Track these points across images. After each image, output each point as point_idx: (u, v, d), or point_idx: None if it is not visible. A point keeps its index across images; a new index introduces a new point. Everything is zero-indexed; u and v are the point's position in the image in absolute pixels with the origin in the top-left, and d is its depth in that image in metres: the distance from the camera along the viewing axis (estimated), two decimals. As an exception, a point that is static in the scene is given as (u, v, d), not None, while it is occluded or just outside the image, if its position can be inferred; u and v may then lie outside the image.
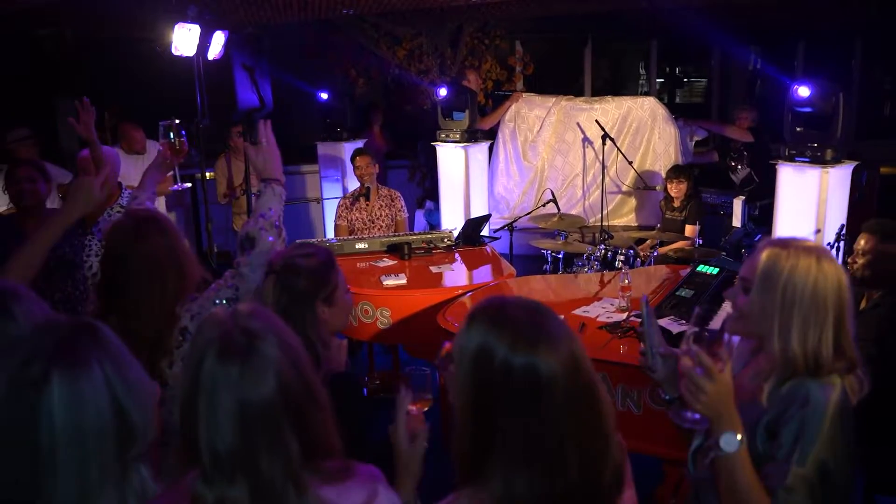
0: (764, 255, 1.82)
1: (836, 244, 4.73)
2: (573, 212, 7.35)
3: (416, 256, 5.09)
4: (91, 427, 1.27)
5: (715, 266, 3.87)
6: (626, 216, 7.74)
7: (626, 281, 3.86)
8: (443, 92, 7.06)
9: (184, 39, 5.76)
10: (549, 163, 7.94)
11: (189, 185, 6.49)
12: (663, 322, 3.36)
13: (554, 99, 7.89)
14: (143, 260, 2.23)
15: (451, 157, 7.13)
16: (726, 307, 3.57)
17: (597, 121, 6.97)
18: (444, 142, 7.11)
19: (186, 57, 5.89)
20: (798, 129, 5.33)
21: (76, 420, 1.26)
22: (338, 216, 5.71)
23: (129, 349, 1.41)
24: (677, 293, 3.68)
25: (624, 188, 7.60)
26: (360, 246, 5.22)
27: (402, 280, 4.49)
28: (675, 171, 6.32)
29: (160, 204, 6.24)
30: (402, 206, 5.77)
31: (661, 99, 8.22)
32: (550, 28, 9.24)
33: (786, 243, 1.83)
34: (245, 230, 2.43)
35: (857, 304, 3.51)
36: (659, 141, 7.47)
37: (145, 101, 7.70)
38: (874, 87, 9.91)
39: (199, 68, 6.10)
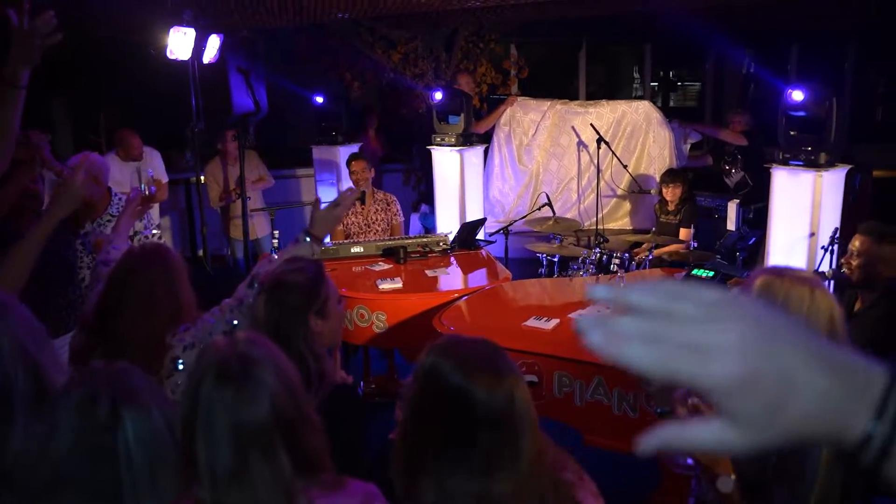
0: (758, 282, 1.83)
1: (829, 247, 4.75)
2: (568, 215, 7.36)
3: (412, 260, 5.10)
4: (159, 454, 1.35)
5: (710, 269, 3.88)
6: (620, 220, 7.75)
7: (622, 284, 3.87)
8: (438, 96, 7.07)
9: (179, 43, 5.76)
10: (545, 166, 7.95)
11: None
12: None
13: (549, 103, 7.90)
14: (137, 290, 2.30)
15: (446, 161, 7.14)
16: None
17: (591, 124, 6.98)
18: (440, 145, 7.11)
19: (181, 60, 5.88)
20: (792, 132, 5.36)
21: (147, 450, 1.34)
22: (333, 220, 5.70)
23: None
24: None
25: (619, 192, 7.62)
26: (356, 250, 5.22)
27: (398, 284, 4.50)
28: (671, 176, 6.32)
29: (154, 210, 6.23)
30: (397, 210, 5.77)
31: (655, 102, 8.24)
32: (545, 32, 9.27)
33: (780, 272, 1.84)
34: (264, 268, 2.44)
35: (851, 306, 3.52)
36: (653, 144, 7.49)
37: (140, 105, 7.71)
38: (867, 91, 9.95)
39: (194, 72, 6.09)
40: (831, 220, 5.19)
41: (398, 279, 4.57)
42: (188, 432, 1.34)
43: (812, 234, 5.17)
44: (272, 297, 2.19)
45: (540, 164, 7.97)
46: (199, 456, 1.32)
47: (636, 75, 10.85)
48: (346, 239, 5.57)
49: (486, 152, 7.75)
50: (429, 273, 4.84)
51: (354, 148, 7.55)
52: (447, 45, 8.57)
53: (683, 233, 6.11)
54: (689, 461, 1.80)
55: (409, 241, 5.31)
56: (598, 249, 5.40)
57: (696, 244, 5.72)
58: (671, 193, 6.21)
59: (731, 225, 6.39)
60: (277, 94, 8.24)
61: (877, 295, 3.40)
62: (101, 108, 6.69)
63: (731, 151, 6.94)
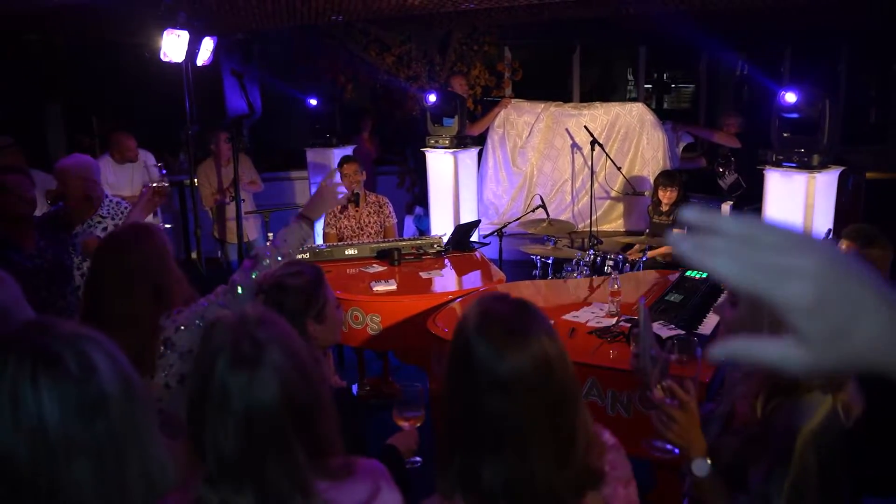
0: None
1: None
2: (562, 217, 7.36)
3: (406, 262, 5.10)
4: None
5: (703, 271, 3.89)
6: (614, 221, 7.76)
7: (616, 286, 3.87)
8: (432, 98, 7.07)
9: (173, 45, 5.76)
10: (538, 168, 7.96)
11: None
12: (653, 326, 3.37)
13: (543, 105, 7.91)
14: (114, 274, 2.29)
15: (440, 163, 7.15)
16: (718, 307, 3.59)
17: (585, 126, 6.99)
18: (434, 147, 7.12)
19: (175, 63, 5.88)
20: (785, 134, 5.38)
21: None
22: (326, 224, 5.69)
23: None
24: (666, 298, 3.70)
25: (613, 193, 7.62)
26: (350, 252, 5.22)
27: (392, 286, 4.49)
28: (668, 178, 6.32)
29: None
30: (390, 212, 5.77)
31: (648, 104, 8.24)
32: (539, 34, 9.28)
33: None
34: (259, 250, 2.46)
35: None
36: (647, 146, 7.50)
37: (134, 107, 7.70)
38: (860, 93, 9.99)
39: (187, 74, 6.09)
40: (824, 221, 5.22)
41: (392, 281, 4.57)
42: (196, 417, 1.31)
43: (805, 236, 5.18)
44: (270, 299, 2.19)
45: (534, 166, 7.97)
46: (206, 442, 1.29)
47: (630, 77, 10.87)
48: (339, 241, 5.57)
49: (480, 154, 7.76)
50: (423, 275, 4.84)
51: (348, 150, 7.55)
52: (441, 48, 8.57)
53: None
54: (668, 446, 1.82)
55: (404, 243, 5.31)
56: (591, 251, 5.41)
57: (689, 246, 5.73)
58: (667, 195, 6.21)
59: (724, 227, 6.40)
60: (271, 96, 8.26)
61: None
62: (95, 111, 6.69)
63: (724, 153, 6.96)
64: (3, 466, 1.15)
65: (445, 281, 4.88)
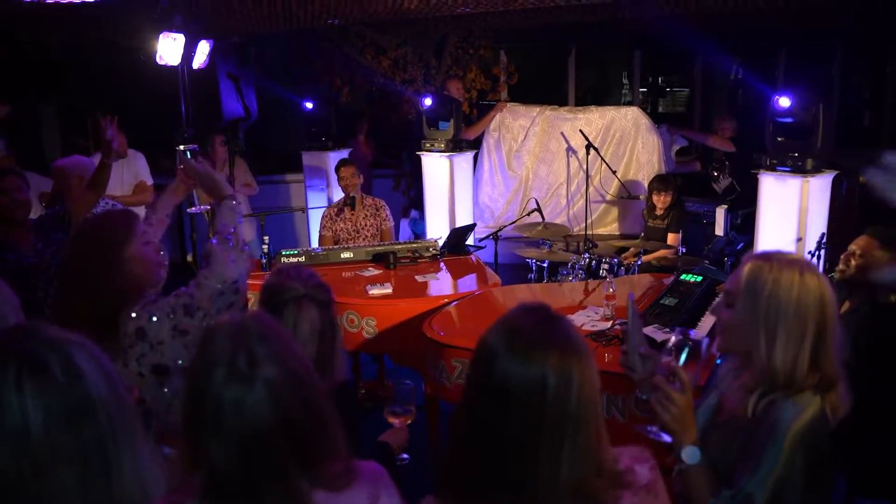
0: (746, 268, 1.83)
1: (816, 252, 4.79)
2: (557, 221, 7.39)
3: (402, 266, 5.10)
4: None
5: (698, 274, 3.90)
6: (609, 225, 7.78)
7: (611, 289, 3.88)
8: (428, 101, 7.08)
9: (169, 48, 5.76)
10: (534, 172, 7.98)
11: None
12: (647, 330, 3.38)
13: (538, 109, 7.93)
14: (71, 261, 2.36)
15: (436, 167, 7.16)
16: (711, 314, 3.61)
17: (581, 130, 7.01)
18: (429, 151, 7.13)
19: (171, 66, 5.88)
20: (779, 138, 5.40)
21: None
22: (322, 226, 5.71)
23: None
24: (661, 301, 3.71)
25: (608, 197, 7.65)
26: (346, 255, 5.22)
27: (388, 289, 4.50)
28: (662, 182, 6.34)
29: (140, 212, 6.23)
30: (387, 215, 5.78)
31: (643, 108, 8.28)
32: (534, 38, 9.30)
33: (769, 256, 1.83)
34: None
35: (838, 308, 3.54)
36: (642, 150, 7.53)
37: (129, 109, 7.69)
38: (854, 97, 10.03)
39: (183, 77, 6.09)
40: (818, 225, 5.24)
41: (388, 284, 4.57)
42: (192, 426, 1.30)
43: (799, 240, 5.21)
44: (316, 301, 2.19)
45: (529, 170, 7.99)
46: (201, 453, 1.27)
47: (625, 81, 10.91)
48: (336, 244, 5.58)
49: (475, 158, 7.77)
50: (419, 278, 4.85)
51: (344, 153, 7.56)
52: (437, 51, 8.59)
53: (671, 238, 6.14)
54: (663, 434, 1.82)
55: (399, 246, 5.31)
56: (587, 255, 5.43)
57: (684, 249, 5.76)
58: (661, 199, 6.23)
59: (719, 230, 6.43)
60: (267, 99, 8.25)
61: (859, 300, 3.43)
62: (90, 112, 6.67)
63: (719, 157, 6.99)
64: None
65: (441, 284, 4.88)
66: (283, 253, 5.11)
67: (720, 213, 6.44)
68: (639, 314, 2.02)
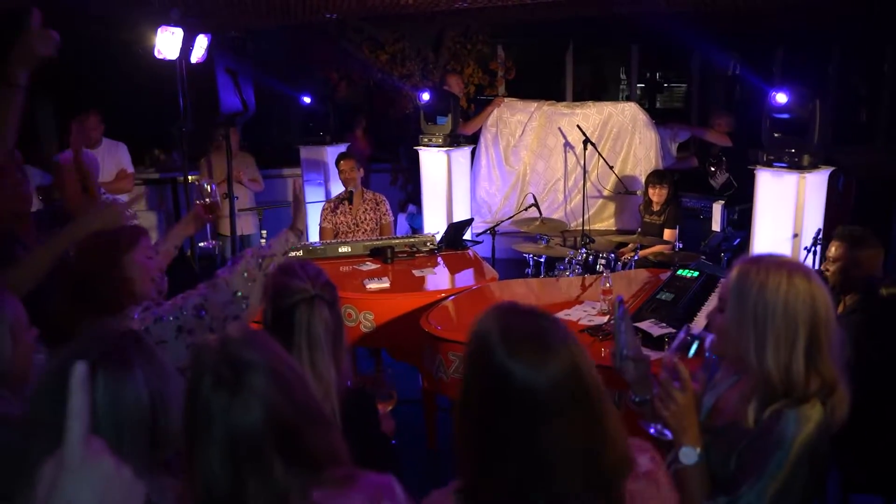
0: (735, 272, 1.82)
1: (812, 248, 4.81)
2: (555, 216, 7.40)
3: (399, 260, 5.12)
4: (128, 419, 1.39)
5: (695, 270, 3.92)
6: (606, 220, 7.80)
7: (608, 284, 3.90)
8: (426, 96, 7.09)
9: (167, 43, 5.76)
10: (531, 167, 7.99)
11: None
12: (644, 325, 3.40)
13: (536, 104, 7.93)
14: (75, 262, 2.45)
15: (433, 162, 7.17)
16: (706, 308, 3.63)
17: (578, 126, 7.02)
18: (427, 146, 7.14)
19: (169, 60, 5.88)
20: (776, 134, 5.42)
21: (115, 411, 1.37)
22: (323, 219, 5.72)
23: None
24: (658, 297, 3.73)
25: (605, 193, 7.66)
26: (344, 250, 5.23)
27: (386, 284, 4.51)
28: (658, 177, 6.37)
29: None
30: (387, 210, 5.79)
31: (641, 103, 8.28)
32: (532, 33, 9.30)
33: (758, 259, 1.82)
34: (240, 255, 2.52)
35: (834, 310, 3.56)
36: (639, 146, 7.54)
37: (127, 104, 7.68)
38: (851, 94, 10.05)
39: (181, 72, 6.09)
40: (814, 221, 5.26)
41: (385, 279, 4.59)
42: (187, 439, 1.31)
43: (795, 236, 5.23)
44: (327, 300, 2.19)
45: (527, 165, 8.00)
46: (196, 463, 1.29)
47: (623, 76, 10.91)
48: (335, 238, 5.59)
49: (473, 153, 7.78)
50: (416, 273, 4.86)
51: (342, 148, 7.56)
52: (434, 46, 8.59)
53: (668, 233, 6.16)
54: (665, 431, 1.83)
55: (397, 241, 5.33)
56: (584, 250, 5.44)
57: (681, 245, 5.78)
58: (657, 194, 6.25)
59: (716, 226, 6.45)
60: (265, 94, 8.23)
61: (856, 299, 3.45)
62: (87, 107, 6.66)
63: (715, 153, 7.00)
64: None
65: (438, 279, 4.90)
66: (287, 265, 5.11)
67: (717, 209, 6.46)
68: (629, 317, 2.02)
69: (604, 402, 1.39)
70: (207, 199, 3.01)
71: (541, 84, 9.88)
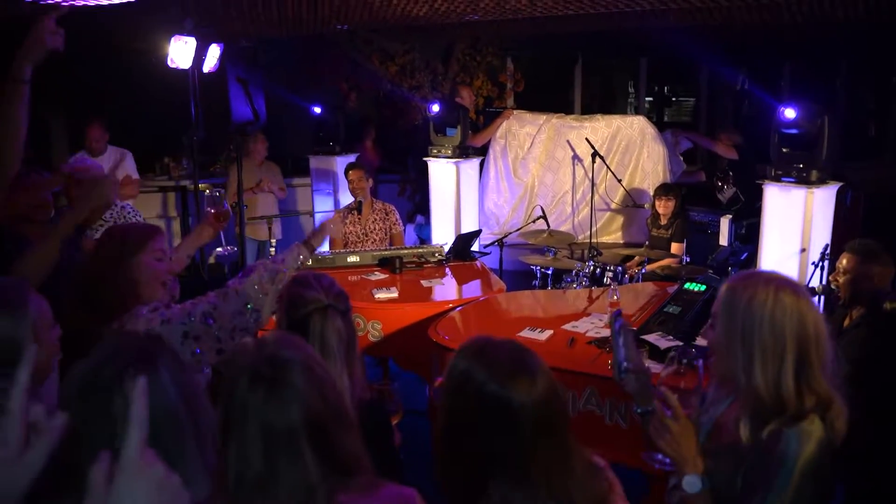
0: (724, 288, 1.84)
1: (820, 263, 4.82)
2: (562, 228, 7.41)
3: (408, 270, 5.14)
4: (162, 421, 1.37)
5: (702, 283, 3.93)
6: (614, 233, 7.80)
7: (615, 297, 3.92)
8: (435, 108, 7.14)
9: (180, 52, 5.81)
10: (539, 179, 8.01)
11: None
12: (651, 338, 3.42)
13: (545, 116, 7.96)
14: (88, 261, 2.49)
15: (442, 173, 7.20)
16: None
17: (587, 139, 7.05)
18: (436, 157, 7.18)
19: (181, 69, 5.93)
20: (784, 149, 5.43)
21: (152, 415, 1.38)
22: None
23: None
24: (665, 310, 3.74)
25: (613, 206, 7.67)
26: (352, 259, 5.26)
27: (394, 293, 4.54)
28: (664, 189, 6.40)
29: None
30: (396, 219, 5.82)
31: (649, 117, 8.30)
32: (541, 46, 9.34)
33: (747, 276, 1.83)
34: (253, 265, 2.53)
35: (841, 323, 3.57)
36: (647, 159, 7.55)
37: (138, 113, 7.74)
38: (859, 109, 10.06)
39: (194, 81, 6.14)
40: (822, 236, 5.26)
41: (394, 289, 4.61)
42: (223, 436, 1.34)
43: (803, 250, 5.23)
44: (340, 311, 2.21)
45: (535, 177, 8.02)
46: (229, 458, 1.31)
47: (631, 90, 10.94)
48: (345, 248, 5.62)
49: (481, 165, 7.81)
50: (424, 283, 4.89)
51: (351, 158, 7.61)
52: (444, 58, 8.63)
53: (675, 247, 6.17)
54: (667, 460, 1.83)
55: (405, 251, 5.35)
56: (591, 262, 5.46)
57: (688, 259, 5.79)
58: (664, 207, 6.27)
59: (723, 240, 6.46)
60: (276, 103, 8.28)
61: (861, 313, 3.45)
62: (98, 116, 6.71)
63: (722, 167, 7.02)
64: None
65: (446, 289, 4.92)
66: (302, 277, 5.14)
67: (724, 223, 6.47)
68: (627, 330, 2.02)
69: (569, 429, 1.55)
70: (224, 209, 3.03)
71: (549, 97, 9.91)
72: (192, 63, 5.94)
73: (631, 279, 5.55)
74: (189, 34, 5.80)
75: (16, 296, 1.83)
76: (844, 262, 3.51)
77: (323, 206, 7.88)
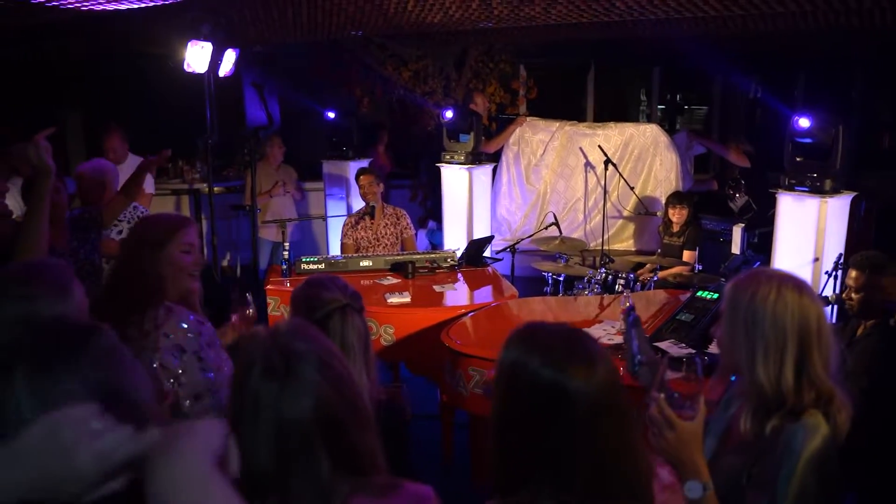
0: (729, 286, 1.86)
1: (833, 273, 4.80)
2: (574, 235, 7.42)
3: (420, 275, 5.15)
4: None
5: (714, 291, 3.93)
6: (626, 241, 7.81)
7: (627, 304, 3.91)
8: (449, 114, 7.16)
9: (196, 57, 5.86)
10: (552, 186, 8.02)
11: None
12: (663, 345, 3.42)
13: (557, 124, 7.98)
14: (120, 254, 2.61)
15: (455, 179, 7.21)
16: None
17: (599, 146, 7.06)
18: (449, 163, 7.19)
19: (197, 73, 5.98)
20: (798, 158, 5.42)
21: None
22: (344, 234, 5.78)
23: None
24: (677, 317, 3.74)
25: (625, 213, 7.67)
26: (365, 264, 5.28)
27: (407, 298, 4.55)
28: (677, 198, 6.39)
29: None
30: (408, 224, 5.84)
31: (661, 125, 8.30)
32: (554, 53, 9.35)
33: (751, 274, 1.85)
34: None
35: (853, 333, 3.56)
36: (660, 167, 7.56)
37: (153, 117, 7.80)
38: (873, 118, 10.01)
39: (209, 85, 6.18)
40: (835, 245, 5.25)
41: (406, 293, 4.63)
42: (233, 427, 1.28)
43: (816, 260, 5.22)
44: (357, 309, 2.23)
45: (547, 184, 8.04)
46: (241, 452, 1.26)
47: (644, 98, 10.93)
48: (357, 253, 5.64)
49: (494, 171, 7.83)
50: (436, 288, 4.90)
51: (364, 163, 7.64)
52: (457, 64, 8.66)
53: (687, 255, 6.16)
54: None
55: (418, 256, 5.37)
56: (603, 270, 5.46)
57: (700, 267, 5.78)
58: (677, 215, 6.27)
59: (736, 249, 6.45)
60: (290, 108, 8.34)
61: (873, 323, 3.45)
62: (115, 120, 6.77)
63: (734, 176, 7.01)
64: None
65: (458, 295, 4.93)
66: (303, 259, 5.18)
67: (737, 232, 6.46)
68: (640, 323, 2.03)
69: (630, 419, 1.46)
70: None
71: (562, 104, 9.91)
72: (208, 67, 5.98)
73: (643, 286, 5.54)
74: (205, 39, 5.84)
75: (66, 278, 1.82)
76: (853, 280, 3.51)
77: (336, 211, 7.92)
